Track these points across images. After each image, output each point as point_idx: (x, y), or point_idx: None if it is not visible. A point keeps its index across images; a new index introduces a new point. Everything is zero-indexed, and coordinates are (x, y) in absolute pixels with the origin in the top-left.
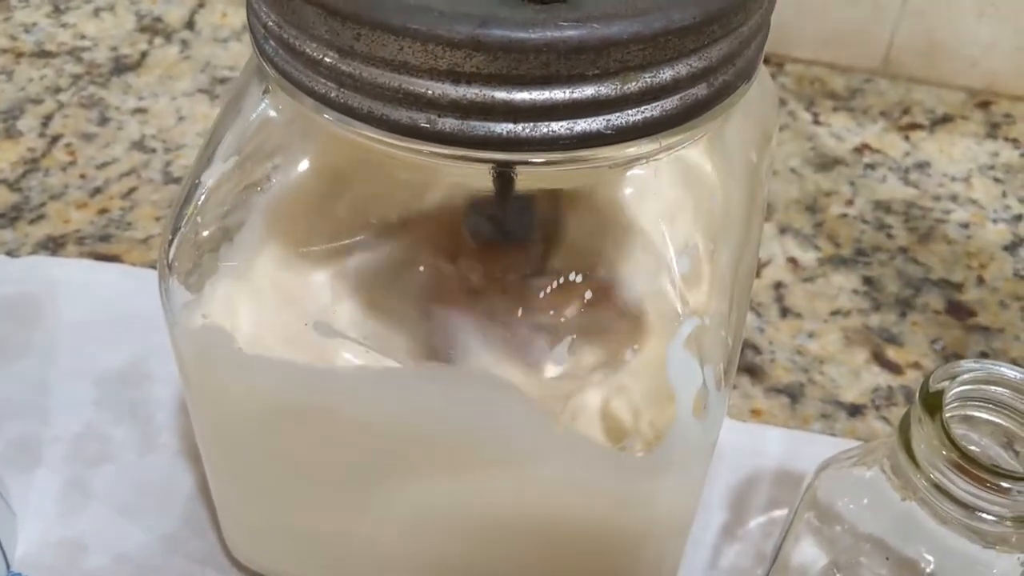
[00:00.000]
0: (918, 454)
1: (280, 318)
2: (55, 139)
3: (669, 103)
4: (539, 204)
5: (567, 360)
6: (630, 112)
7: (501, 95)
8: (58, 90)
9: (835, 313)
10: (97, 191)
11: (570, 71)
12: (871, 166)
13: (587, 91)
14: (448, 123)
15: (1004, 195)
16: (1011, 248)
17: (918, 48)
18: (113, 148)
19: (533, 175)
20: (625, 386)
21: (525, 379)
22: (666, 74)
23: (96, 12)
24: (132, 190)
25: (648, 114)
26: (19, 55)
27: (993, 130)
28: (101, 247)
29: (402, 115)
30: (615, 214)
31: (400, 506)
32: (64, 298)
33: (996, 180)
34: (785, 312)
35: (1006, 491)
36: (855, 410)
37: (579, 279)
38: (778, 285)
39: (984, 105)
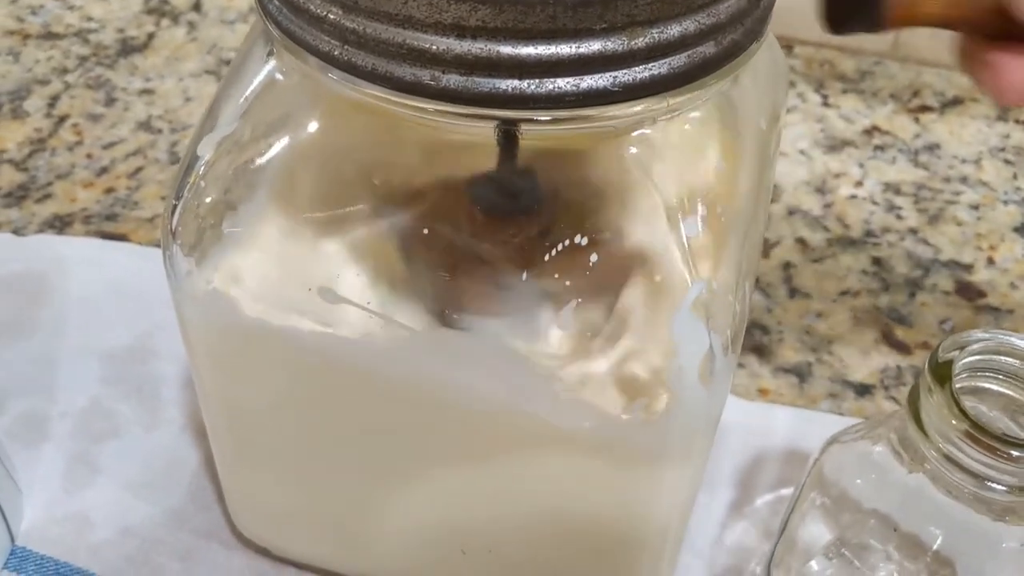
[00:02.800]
0: (927, 425)
1: (285, 285)
2: (62, 119)
3: (677, 60)
4: (545, 166)
5: (572, 324)
6: (637, 69)
7: (506, 50)
8: (65, 71)
9: (844, 293)
10: (104, 171)
11: (576, 25)
12: (881, 148)
13: (594, 46)
14: (452, 79)
15: (1014, 177)
16: (1021, 229)
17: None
18: (119, 128)
19: (538, 135)
20: (631, 350)
21: (530, 343)
22: (674, 30)
23: None
24: (138, 170)
25: (655, 71)
26: (26, 37)
27: (1004, 112)
28: (108, 226)
29: (406, 72)
30: (621, 176)
31: (403, 478)
32: (71, 276)
33: (1006, 162)
34: (794, 292)
35: (1016, 460)
36: (863, 390)
37: (584, 242)
38: (787, 265)
39: None
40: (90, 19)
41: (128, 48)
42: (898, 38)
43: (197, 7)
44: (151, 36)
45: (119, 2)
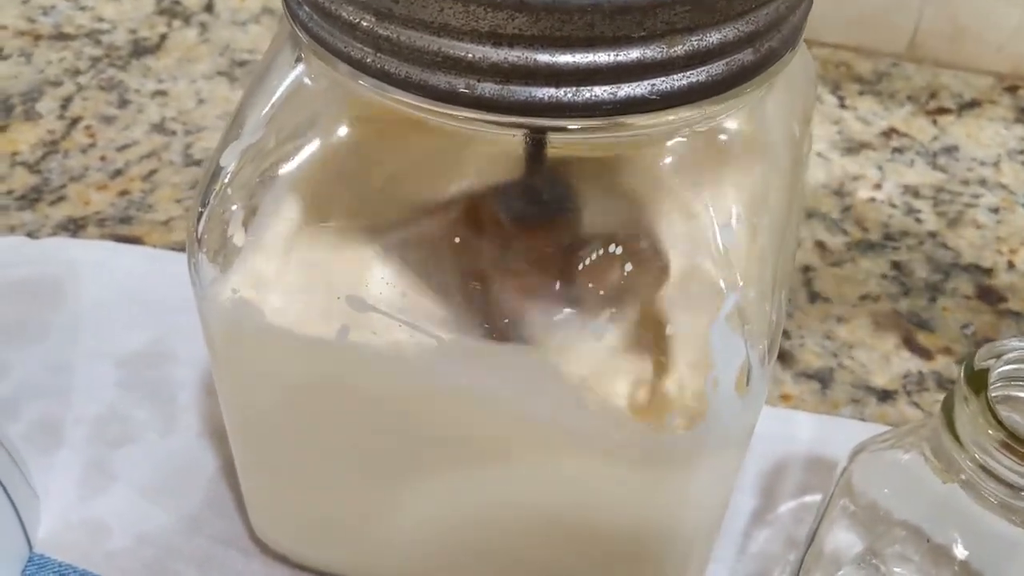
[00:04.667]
0: (962, 434)
1: (311, 292)
2: (75, 121)
3: (715, 68)
4: (578, 174)
5: (606, 334)
6: (675, 77)
7: (543, 58)
8: (77, 72)
9: (864, 298)
10: (117, 173)
11: (615, 32)
12: (899, 150)
13: (632, 54)
14: (488, 88)
15: None
16: None
17: (944, 32)
18: (133, 130)
19: (569, 143)
20: (666, 361)
21: (563, 354)
22: (713, 38)
23: None
24: (152, 172)
25: (693, 79)
26: (37, 37)
27: (1021, 115)
28: (122, 229)
29: (440, 80)
30: (656, 185)
31: (430, 489)
32: (85, 279)
33: None
34: (814, 297)
35: None
36: (885, 395)
37: (618, 251)
38: (806, 269)
39: (1012, 89)
40: (102, 20)
41: (140, 49)
42: (915, 39)
43: (209, 8)
44: (163, 37)
45: (131, 3)
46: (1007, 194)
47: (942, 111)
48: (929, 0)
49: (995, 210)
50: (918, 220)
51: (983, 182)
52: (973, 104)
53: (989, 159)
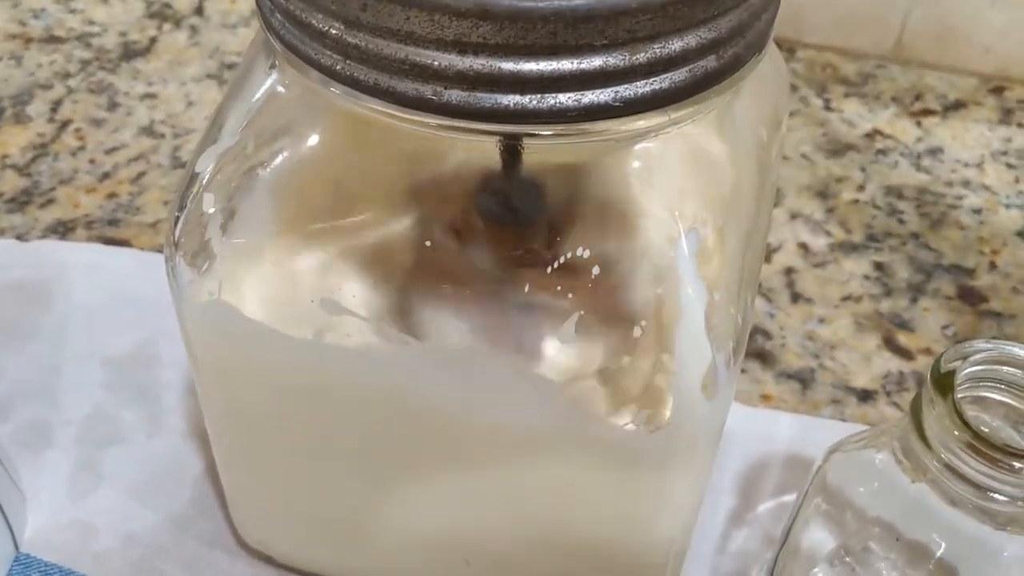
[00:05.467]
0: (930, 435)
1: (286, 295)
2: (64, 124)
3: (678, 75)
4: (547, 180)
5: (574, 337)
6: (638, 84)
7: (508, 66)
8: (67, 75)
9: (846, 298)
10: (106, 176)
11: (578, 41)
12: (883, 152)
13: (595, 62)
14: (454, 95)
15: (1017, 181)
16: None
17: (930, 33)
18: (122, 133)
19: (540, 149)
20: (633, 363)
21: (532, 357)
22: (675, 45)
23: None
24: (141, 175)
25: (657, 86)
26: (28, 40)
27: (1006, 116)
28: (110, 231)
29: (408, 87)
30: (623, 189)
31: (407, 488)
32: (74, 282)
33: (1009, 166)
34: (796, 297)
35: (1018, 471)
36: (866, 395)
37: (586, 255)
38: (789, 271)
39: (997, 91)
40: (92, 23)
41: (130, 52)
42: (901, 40)
43: (199, 11)
44: (153, 40)
45: (121, 6)
46: (990, 195)
47: (927, 112)
48: (918, 1)
49: (978, 211)
50: (901, 221)
51: (967, 183)
52: (958, 105)
53: (973, 160)
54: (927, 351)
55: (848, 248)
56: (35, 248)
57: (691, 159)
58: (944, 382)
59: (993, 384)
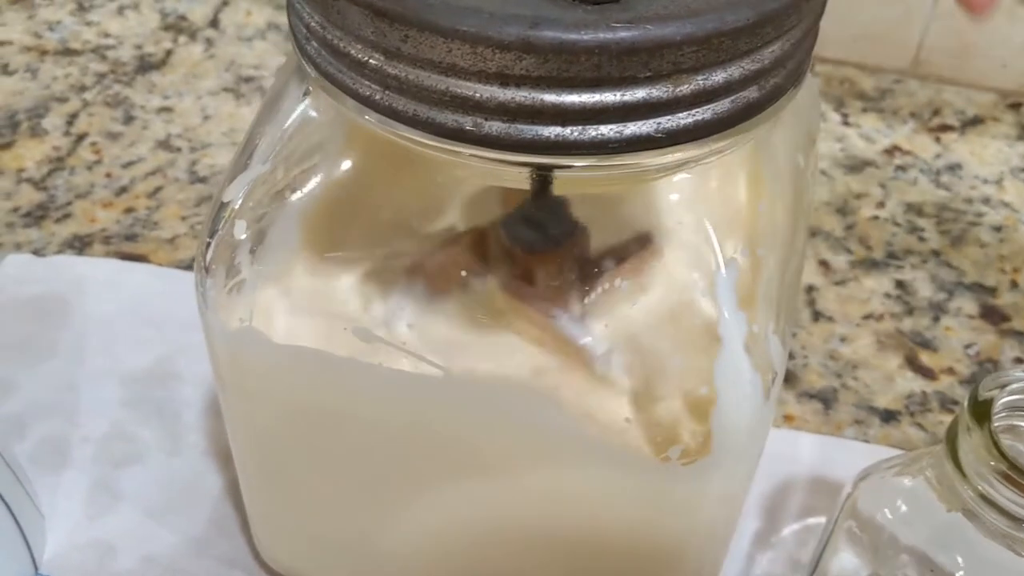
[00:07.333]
0: (965, 463)
1: (317, 322)
2: (80, 138)
3: (721, 106)
4: (583, 209)
5: (611, 368)
6: (681, 115)
7: (550, 98)
8: (83, 88)
9: (867, 317)
10: (123, 190)
11: (622, 73)
12: (902, 168)
13: (638, 94)
14: (495, 126)
15: None
16: None
17: (948, 49)
18: (138, 147)
19: (577, 180)
20: (671, 395)
21: (568, 386)
22: (718, 76)
23: (120, 10)
24: (158, 189)
25: (699, 117)
26: (43, 53)
27: None
28: (127, 246)
29: (447, 118)
30: (661, 219)
31: (434, 514)
32: (91, 298)
33: None
34: (817, 316)
35: None
36: (889, 416)
37: (624, 286)
38: (810, 289)
39: (1015, 107)
40: (108, 35)
41: (146, 65)
42: (919, 55)
43: (215, 24)
44: (169, 53)
45: (137, 18)
46: (1010, 212)
47: (945, 128)
48: (935, 16)
49: (998, 228)
50: (921, 239)
51: (986, 200)
52: (976, 121)
53: (992, 177)
54: (950, 371)
55: (869, 265)
56: (52, 263)
57: (728, 187)
58: (981, 410)
59: None
